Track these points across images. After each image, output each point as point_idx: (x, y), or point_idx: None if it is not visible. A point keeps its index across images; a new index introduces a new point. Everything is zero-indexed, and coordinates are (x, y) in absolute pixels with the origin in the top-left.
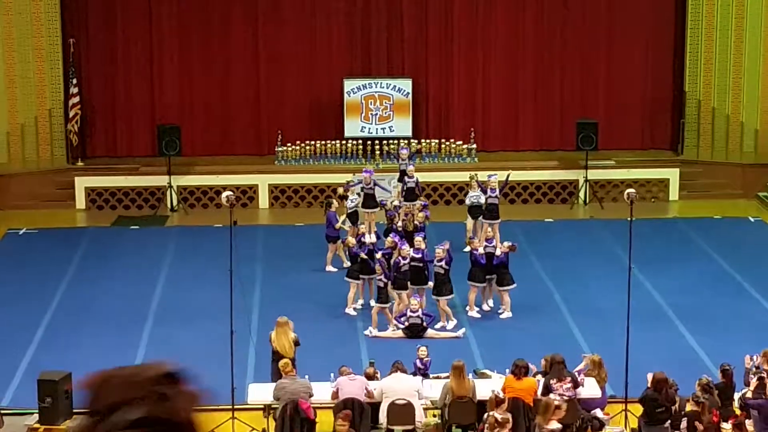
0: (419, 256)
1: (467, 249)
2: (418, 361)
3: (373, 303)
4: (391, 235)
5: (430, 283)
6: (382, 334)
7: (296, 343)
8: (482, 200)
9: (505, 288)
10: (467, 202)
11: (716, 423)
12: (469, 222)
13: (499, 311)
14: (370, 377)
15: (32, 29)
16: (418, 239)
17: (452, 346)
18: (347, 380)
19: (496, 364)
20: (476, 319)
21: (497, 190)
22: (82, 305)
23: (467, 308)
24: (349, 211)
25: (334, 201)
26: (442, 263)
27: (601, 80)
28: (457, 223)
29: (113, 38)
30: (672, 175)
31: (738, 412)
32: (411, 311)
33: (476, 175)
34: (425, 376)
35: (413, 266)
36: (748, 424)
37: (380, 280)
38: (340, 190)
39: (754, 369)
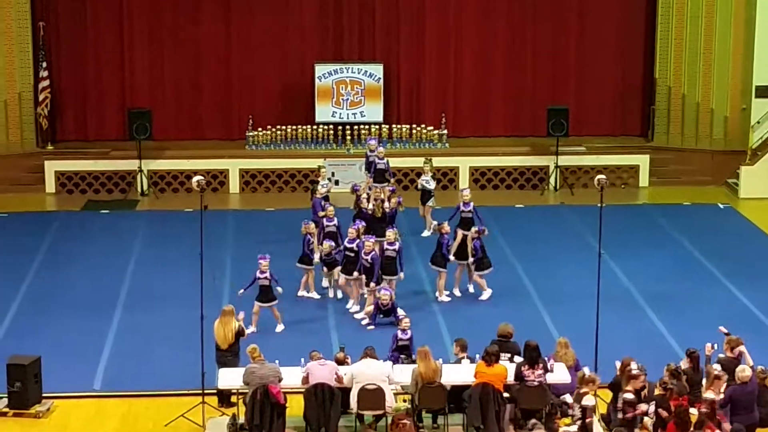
0: (352, 245)
1: (426, 233)
2: (400, 332)
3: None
4: (356, 223)
5: (401, 275)
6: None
7: (240, 333)
8: (432, 185)
9: (483, 272)
10: (418, 186)
11: (685, 407)
12: (421, 209)
13: (479, 295)
14: (340, 362)
15: (1, 12)
16: (352, 231)
17: (423, 332)
18: (317, 365)
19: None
20: (446, 303)
21: (471, 204)
22: (52, 289)
23: (437, 294)
24: (320, 196)
25: (318, 186)
26: (369, 257)
27: (572, 66)
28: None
29: (83, 21)
30: (642, 161)
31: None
32: (382, 305)
33: (430, 160)
34: (401, 351)
35: (347, 255)
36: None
37: (265, 278)
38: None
39: (720, 356)
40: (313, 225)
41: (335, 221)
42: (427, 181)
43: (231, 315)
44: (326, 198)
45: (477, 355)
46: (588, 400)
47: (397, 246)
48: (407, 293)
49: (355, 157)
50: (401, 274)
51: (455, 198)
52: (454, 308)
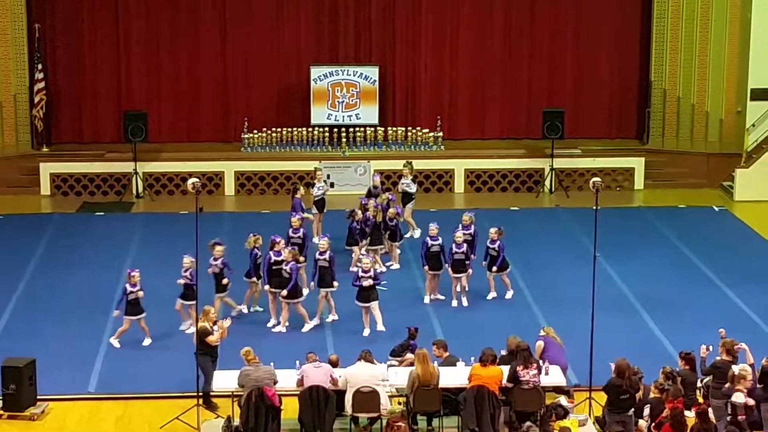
0: (280, 258)
1: (408, 234)
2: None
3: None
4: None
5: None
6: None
7: (204, 334)
8: (413, 188)
9: (502, 272)
10: (399, 189)
11: (680, 410)
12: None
13: (505, 295)
14: (334, 365)
15: None
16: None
17: (419, 336)
18: (312, 367)
19: (460, 352)
20: (442, 308)
21: (464, 246)
22: (47, 292)
23: (425, 296)
24: (315, 198)
25: (301, 188)
26: (325, 255)
27: (567, 69)
28: (422, 211)
29: (79, 23)
30: (637, 164)
31: (701, 399)
32: (363, 271)
33: (411, 163)
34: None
35: (273, 270)
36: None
37: (131, 292)
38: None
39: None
40: (260, 239)
41: (300, 233)
42: (408, 185)
43: (206, 315)
44: (322, 201)
45: (472, 358)
46: (738, 398)
47: (327, 255)
48: (403, 297)
49: (350, 160)
50: (335, 284)
51: (450, 201)
52: (449, 312)
